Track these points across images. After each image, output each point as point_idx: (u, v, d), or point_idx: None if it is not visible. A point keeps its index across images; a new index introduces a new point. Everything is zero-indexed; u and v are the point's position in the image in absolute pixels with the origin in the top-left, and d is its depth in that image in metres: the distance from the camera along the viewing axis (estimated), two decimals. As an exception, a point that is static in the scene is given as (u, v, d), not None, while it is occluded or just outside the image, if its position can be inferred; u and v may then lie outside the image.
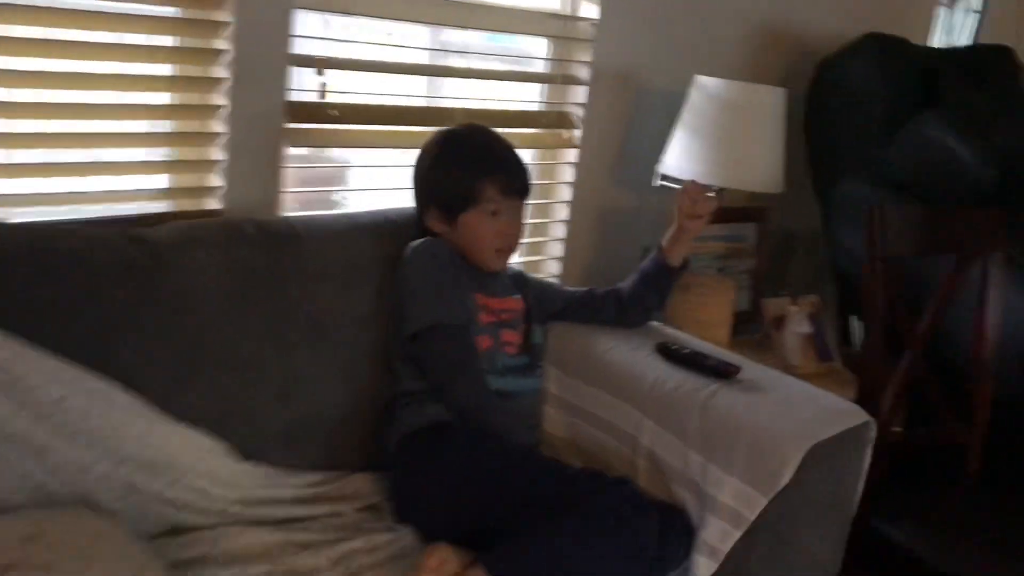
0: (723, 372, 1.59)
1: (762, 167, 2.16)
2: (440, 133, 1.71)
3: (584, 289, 1.83)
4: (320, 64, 1.84)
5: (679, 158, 2.21)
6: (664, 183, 2.34)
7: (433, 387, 1.57)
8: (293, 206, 1.94)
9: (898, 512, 1.80)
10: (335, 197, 2.06)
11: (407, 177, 1.76)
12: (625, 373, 1.66)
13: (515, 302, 1.74)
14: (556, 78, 2.32)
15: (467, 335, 1.59)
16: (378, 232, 1.72)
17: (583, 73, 2.33)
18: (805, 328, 2.06)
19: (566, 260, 2.44)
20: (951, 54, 2.69)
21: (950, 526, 1.82)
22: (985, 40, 3.41)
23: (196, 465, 1.40)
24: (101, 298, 1.37)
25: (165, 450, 1.37)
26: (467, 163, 1.65)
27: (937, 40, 3.38)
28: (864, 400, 1.98)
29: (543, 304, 1.81)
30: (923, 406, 1.94)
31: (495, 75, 2.29)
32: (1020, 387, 1.90)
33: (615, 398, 1.65)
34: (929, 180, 2.19)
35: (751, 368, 1.63)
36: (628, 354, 1.69)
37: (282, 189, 1.88)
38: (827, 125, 2.59)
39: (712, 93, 2.16)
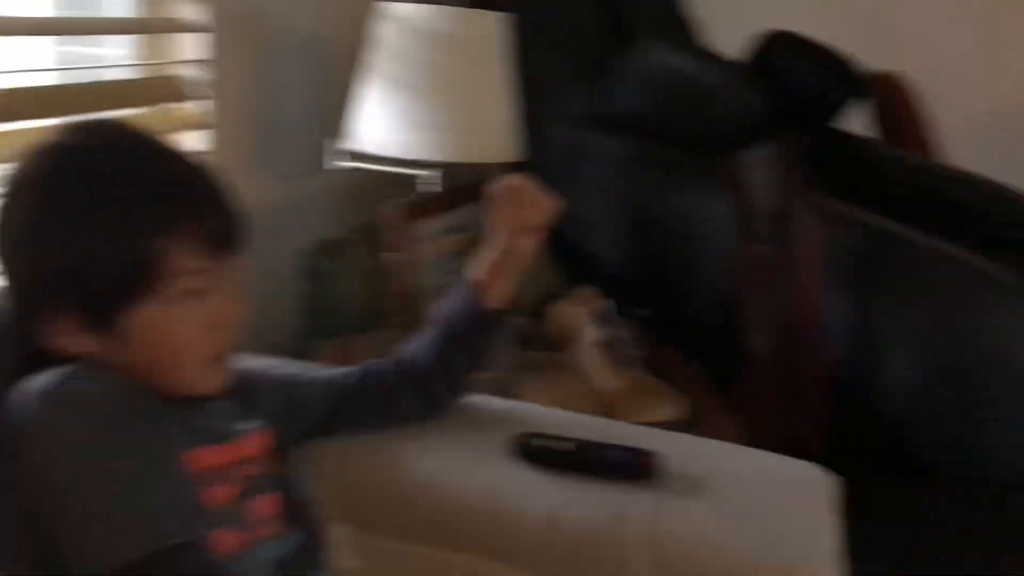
0: (639, 468, 0.99)
1: (494, 128, 1.54)
2: (42, 155, 0.83)
3: (347, 370, 1.09)
4: None
5: (376, 126, 1.51)
6: (340, 164, 1.63)
7: None
8: None
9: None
10: None
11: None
12: (481, 509, 0.98)
13: (255, 438, 0.95)
14: (156, 25, 1.47)
15: (196, 559, 0.79)
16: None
17: (199, 16, 1.51)
18: (596, 333, 1.53)
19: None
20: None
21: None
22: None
23: None
24: None
25: None
26: (122, 209, 0.81)
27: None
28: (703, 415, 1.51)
29: (291, 417, 1.04)
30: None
31: (58, 27, 1.39)
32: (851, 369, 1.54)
33: (475, 556, 0.96)
34: (686, 116, 1.74)
35: (654, 440, 1.04)
36: (471, 470, 1.00)
37: None
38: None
39: (413, 26, 1.47)
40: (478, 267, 1.06)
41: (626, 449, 1.00)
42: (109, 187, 0.81)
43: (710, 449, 1.07)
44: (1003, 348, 1.49)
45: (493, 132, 1.53)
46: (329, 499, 1.01)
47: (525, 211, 1.02)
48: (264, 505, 0.92)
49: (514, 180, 1.03)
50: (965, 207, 1.78)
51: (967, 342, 1.49)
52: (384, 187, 1.74)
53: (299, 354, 1.82)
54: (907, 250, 1.52)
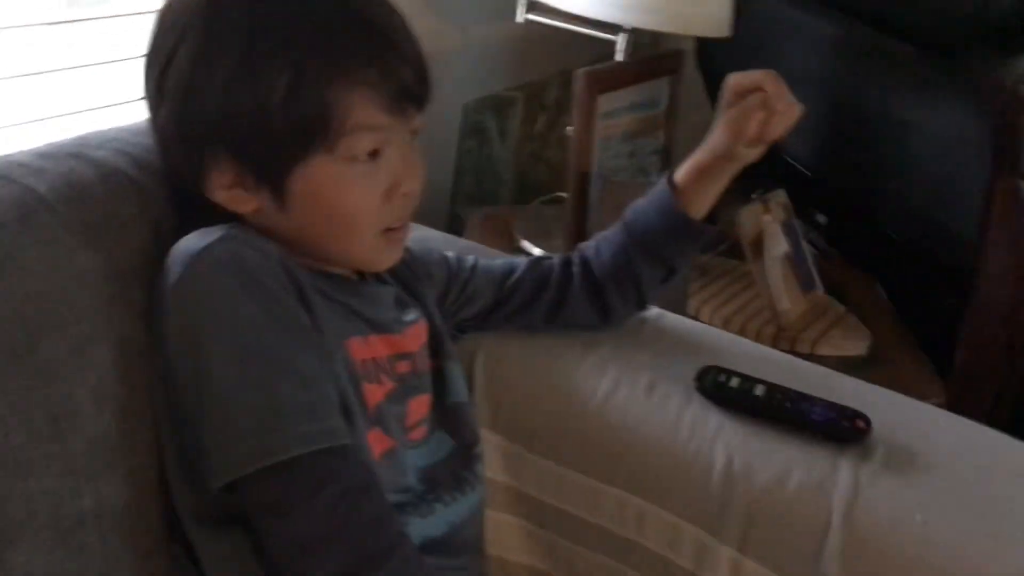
0: (847, 432, 0.84)
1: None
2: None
3: (510, 260, 0.98)
4: None
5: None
6: (533, 17, 1.47)
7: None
8: None
9: None
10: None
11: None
12: (655, 448, 0.86)
13: (417, 330, 0.85)
14: None
15: (359, 463, 0.70)
16: (96, 218, 0.74)
17: None
18: (783, 246, 1.36)
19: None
20: None
21: None
22: None
23: None
24: None
25: None
26: (295, 51, 0.69)
27: None
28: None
29: (454, 307, 0.93)
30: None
31: None
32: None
33: (646, 501, 0.85)
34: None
35: (853, 392, 0.90)
36: (648, 403, 0.88)
37: None
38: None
39: None
40: (684, 169, 0.90)
41: (833, 406, 0.86)
42: (281, 24, 0.69)
43: (922, 415, 0.92)
44: None
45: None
46: (480, 405, 0.91)
47: (766, 118, 0.85)
48: (419, 404, 0.82)
49: (766, 80, 0.85)
50: None
51: None
52: (564, 48, 1.58)
53: (451, 221, 1.72)
54: None
